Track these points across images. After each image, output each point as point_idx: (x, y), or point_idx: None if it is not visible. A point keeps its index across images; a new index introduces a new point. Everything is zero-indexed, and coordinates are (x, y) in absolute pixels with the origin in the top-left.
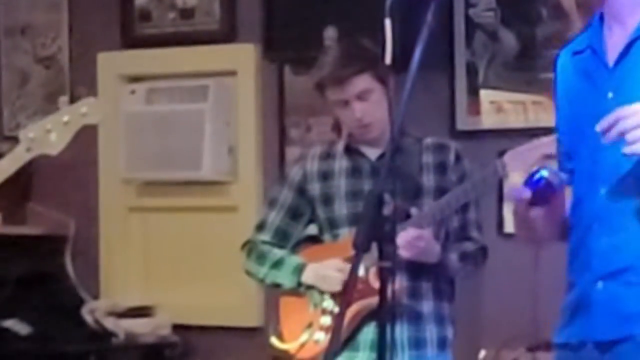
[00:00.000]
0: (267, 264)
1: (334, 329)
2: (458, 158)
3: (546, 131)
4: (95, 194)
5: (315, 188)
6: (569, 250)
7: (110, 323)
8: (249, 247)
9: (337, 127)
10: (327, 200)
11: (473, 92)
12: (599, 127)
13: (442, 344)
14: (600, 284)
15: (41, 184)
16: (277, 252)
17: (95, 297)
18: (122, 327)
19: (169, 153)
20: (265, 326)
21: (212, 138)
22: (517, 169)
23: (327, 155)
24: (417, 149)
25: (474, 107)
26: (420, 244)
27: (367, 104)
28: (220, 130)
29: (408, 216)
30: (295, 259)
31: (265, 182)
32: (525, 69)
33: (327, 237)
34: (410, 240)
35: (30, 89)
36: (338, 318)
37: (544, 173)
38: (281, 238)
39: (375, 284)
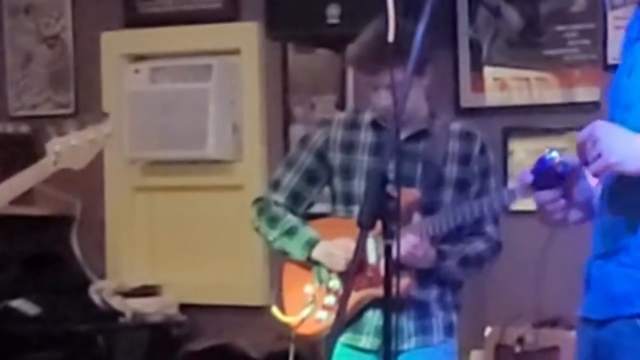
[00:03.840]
0: (278, 229)
1: (337, 314)
2: (483, 149)
3: (550, 107)
4: (101, 174)
5: (336, 157)
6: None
7: (117, 303)
8: (260, 205)
9: (341, 105)
10: (347, 173)
11: (477, 69)
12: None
13: (448, 329)
14: (597, 262)
15: None
16: (291, 219)
17: (102, 276)
18: (129, 306)
19: (173, 132)
20: (271, 305)
21: (217, 117)
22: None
23: (353, 124)
24: (445, 135)
25: (478, 84)
26: (417, 253)
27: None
28: (225, 109)
29: (428, 206)
30: (308, 232)
31: (270, 160)
32: (528, 45)
33: (339, 209)
34: (407, 247)
35: (34, 69)
36: (341, 302)
37: (550, 158)
38: (294, 201)
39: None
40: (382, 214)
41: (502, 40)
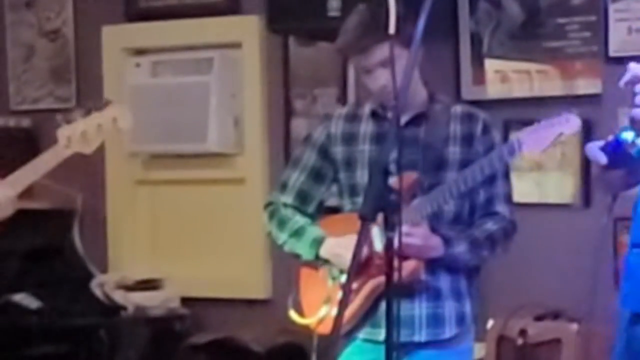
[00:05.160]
0: (287, 231)
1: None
2: (486, 129)
3: (551, 100)
4: (102, 168)
5: (338, 151)
6: None
7: (119, 296)
8: (270, 209)
9: (342, 98)
10: (350, 165)
11: (478, 61)
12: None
13: (460, 320)
14: (635, 251)
15: None
16: (298, 220)
17: (104, 270)
18: (131, 300)
19: (174, 126)
20: (273, 298)
21: (218, 110)
22: (533, 147)
23: (353, 117)
24: (445, 117)
25: (479, 77)
26: (412, 241)
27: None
28: (226, 103)
29: (428, 188)
30: (315, 231)
31: (272, 153)
32: (529, 37)
33: (346, 202)
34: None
35: (35, 63)
36: (343, 298)
37: (625, 137)
38: (303, 200)
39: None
40: (383, 205)
41: (503, 33)
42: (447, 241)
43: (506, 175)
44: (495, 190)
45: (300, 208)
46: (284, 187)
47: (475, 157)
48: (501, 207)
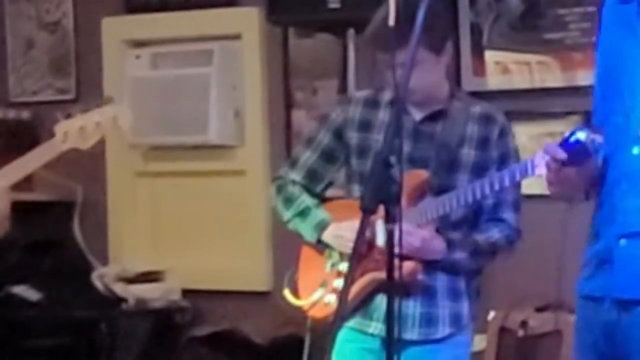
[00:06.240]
0: (292, 210)
1: (338, 302)
2: (502, 133)
3: (551, 91)
4: (103, 160)
5: (352, 137)
6: (596, 202)
7: (120, 289)
8: (278, 183)
9: (342, 90)
10: (362, 152)
11: (478, 53)
12: None
13: (454, 321)
14: (623, 242)
15: None
16: (305, 200)
17: (104, 262)
18: (132, 292)
19: (174, 118)
20: (274, 290)
21: (218, 102)
22: (544, 172)
23: (373, 103)
24: (464, 117)
25: (479, 68)
26: (412, 241)
27: (416, 72)
28: (226, 94)
29: (441, 190)
30: (320, 214)
31: (272, 145)
32: (530, 28)
33: (355, 188)
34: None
35: (35, 55)
36: (343, 290)
37: (581, 136)
38: (312, 179)
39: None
40: (384, 198)
41: (503, 24)
42: (449, 245)
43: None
44: (504, 197)
45: (308, 187)
46: (294, 163)
47: (489, 161)
48: (508, 215)
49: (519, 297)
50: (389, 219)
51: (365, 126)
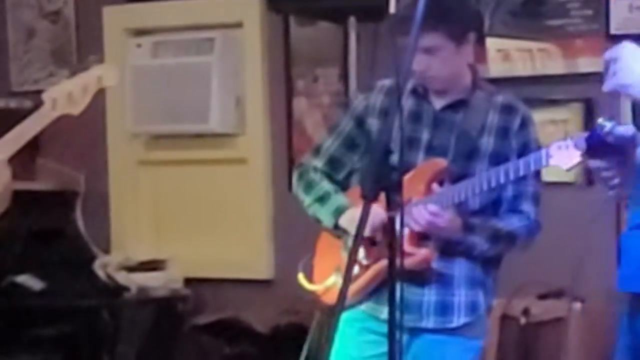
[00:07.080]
0: (312, 195)
1: (340, 290)
2: (523, 124)
3: (553, 78)
4: (104, 149)
5: (373, 124)
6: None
7: (122, 277)
8: (300, 170)
9: (344, 77)
10: None
11: (479, 40)
12: None
13: (471, 309)
14: (633, 233)
15: (50, 140)
16: (325, 186)
17: (106, 251)
18: (134, 281)
19: (176, 106)
20: (276, 278)
21: (219, 90)
22: (559, 163)
23: (395, 91)
24: (485, 107)
25: (481, 56)
26: (437, 222)
27: (434, 59)
28: (227, 83)
29: (459, 179)
30: (340, 199)
31: (273, 133)
32: (531, 15)
33: None
34: (427, 216)
35: (36, 44)
36: (345, 278)
37: (602, 127)
38: (334, 167)
39: (407, 247)
40: (385, 185)
41: (504, 11)
42: (468, 226)
43: (537, 175)
44: (524, 189)
45: (330, 174)
46: (317, 151)
47: (509, 151)
48: (527, 206)
49: (521, 284)
50: (390, 206)
51: (385, 113)
